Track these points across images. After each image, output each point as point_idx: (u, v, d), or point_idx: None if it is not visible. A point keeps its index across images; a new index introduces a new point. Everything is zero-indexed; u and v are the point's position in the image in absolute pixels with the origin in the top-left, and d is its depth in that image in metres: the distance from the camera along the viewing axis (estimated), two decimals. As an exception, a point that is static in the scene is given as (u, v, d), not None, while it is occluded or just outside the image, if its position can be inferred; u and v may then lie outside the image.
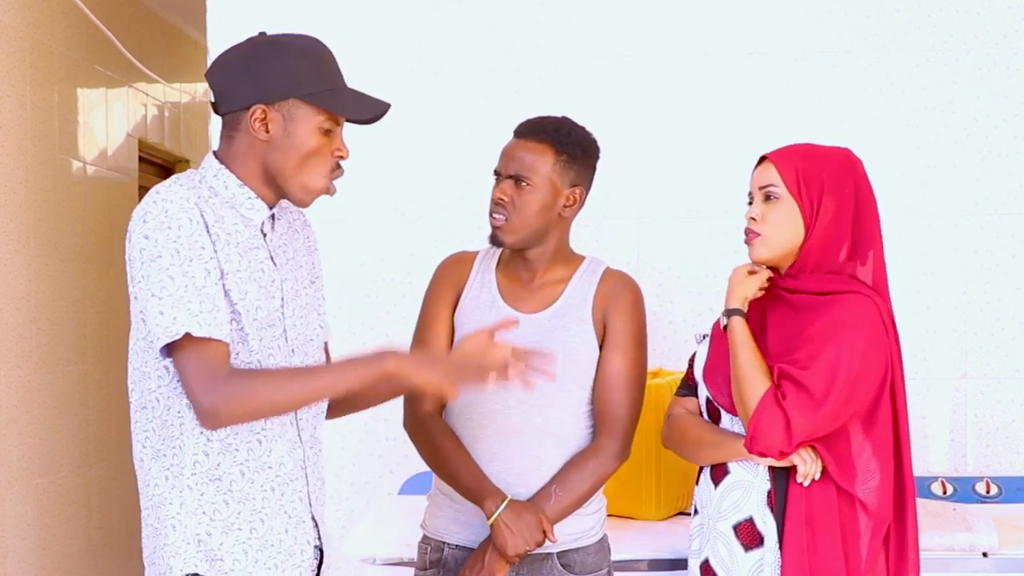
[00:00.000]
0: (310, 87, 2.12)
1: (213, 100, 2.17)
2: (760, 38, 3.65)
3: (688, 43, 3.66)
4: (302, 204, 2.19)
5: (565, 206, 2.63)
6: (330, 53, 2.17)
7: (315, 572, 2.22)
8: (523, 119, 2.68)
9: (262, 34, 2.18)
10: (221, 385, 1.99)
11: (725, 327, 2.44)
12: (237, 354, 2.08)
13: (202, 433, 2.07)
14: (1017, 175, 3.62)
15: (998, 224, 3.62)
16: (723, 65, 3.65)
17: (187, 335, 1.99)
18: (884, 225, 2.49)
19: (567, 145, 2.61)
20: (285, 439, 2.15)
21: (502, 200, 2.60)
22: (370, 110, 2.15)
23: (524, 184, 2.59)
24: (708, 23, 3.66)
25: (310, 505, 2.20)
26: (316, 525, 2.22)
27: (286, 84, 2.10)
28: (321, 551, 2.24)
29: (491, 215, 2.63)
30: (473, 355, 2.15)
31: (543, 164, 2.60)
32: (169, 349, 2.03)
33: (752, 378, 2.34)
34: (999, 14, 3.62)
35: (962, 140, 3.63)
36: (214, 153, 2.18)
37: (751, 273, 2.48)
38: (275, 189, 2.17)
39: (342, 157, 2.18)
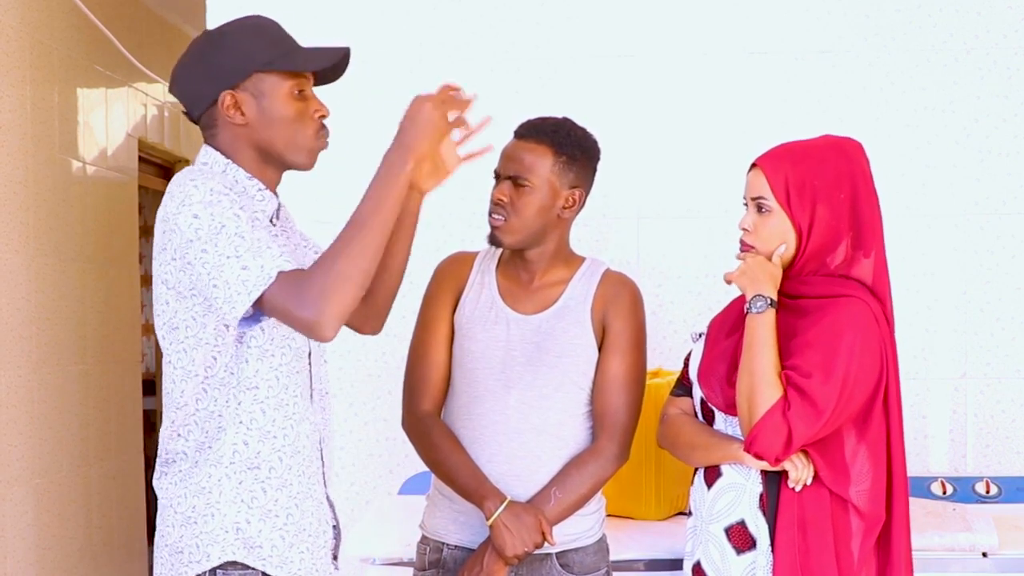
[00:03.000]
0: (265, 57, 2.13)
1: (184, 110, 2.19)
2: (760, 38, 3.65)
3: (688, 43, 3.66)
4: (306, 166, 2.20)
5: (564, 207, 2.63)
6: (275, 23, 2.19)
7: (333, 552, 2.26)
8: (523, 119, 2.68)
9: (205, 31, 2.20)
10: (306, 293, 1.97)
11: (750, 311, 2.37)
12: (276, 328, 2.11)
13: (241, 422, 2.09)
14: (1017, 175, 3.62)
15: (998, 224, 3.62)
16: (723, 65, 3.65)
17: (279, 274, 1.98)
18: (885, 225, 2.48)
19: (566, 146, 2.61)
20: (309, 421, 2.18)
21: (501, 200, 2.60)
22: (329, 58, 2.17)
23: (523, 185, 2.59)
24: (708, 23, 3.66)
25: (325, 485, 2.24)
26: (331, 505, 2.26)
27: (242, 63, 2.12)
28: (338, 530, 2.28)
29: (490, 215, 2.63)
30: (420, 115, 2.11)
31: (542, 165, 2.59)
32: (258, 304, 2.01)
33: (766, 383, 2.31)
34: (999, 14, 3.62)
35: (962, 140, 3.63)
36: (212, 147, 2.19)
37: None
38: (275, 166, 2.18)
39: (324, 116, 2.19)
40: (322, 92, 2.25)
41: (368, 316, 2.37)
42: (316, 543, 2.18)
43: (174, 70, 2.19)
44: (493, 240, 2.64)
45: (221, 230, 2.00)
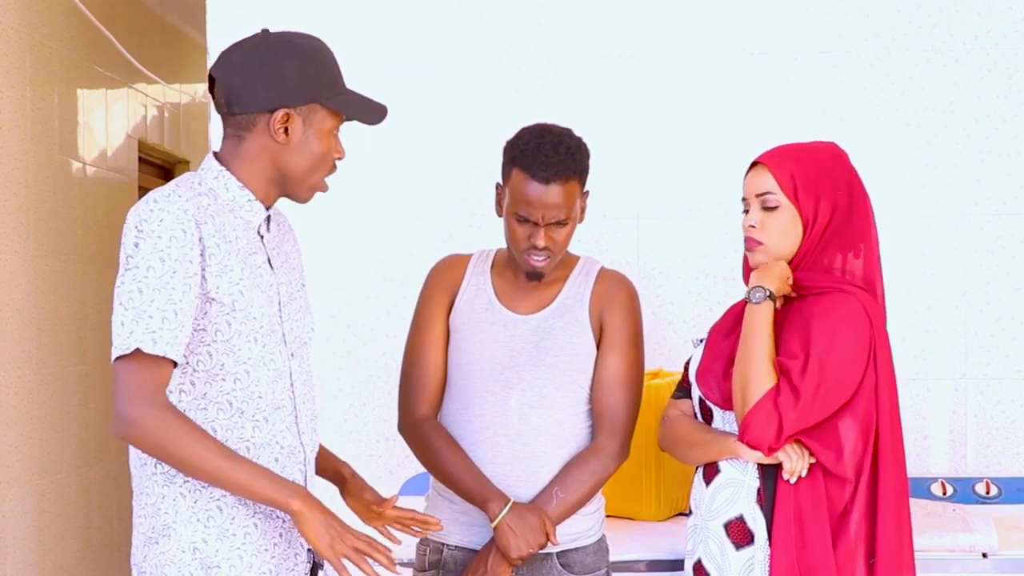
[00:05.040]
0: (329, 92, 2.14)
1: (222, 98, 2.14)
2: (760, 38, 3.65)
3: (688, 43, 3.66)
4: (303, 202, 2.23)
5: (580, 213, 2.65)
6: (334, 55, 2.20)
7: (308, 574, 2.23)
8: (522, 119, 2.67)
9: (265, 31, 2.18)
10: (153, 408, 1.97)
11: (749, 302, 2.39)
12: (241, 351, 2.09)
13: None
14: (1017, 175, 3.62)
15: (998, 224, 3.62)
16: (723, 65, 3.65)
17: (137, 350, 1.97)
18: (884, 225, 2.49)
19: (584, 168, 2.61)
20: (279, 445, 2.15)
21: (547, 247, 2.58)
22: (377, 114, 2.21)
23: (564, 224, 2.58)
24: (708, 23, 3.66)
25: None
26: None
27: (310, 89, 2.12)
28: (314, 553, 2.23)
29: (530, 259, 2.59)
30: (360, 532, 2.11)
31: (576, 195, 2.59)
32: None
33: (760, 372, 2.33)
34: (999, 14, 3.62)
35: (962, 140, 3.62)
36: (215, 154, 2.17)
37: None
38: (279, 190, 2.19)
39: (340, 158, 2.22)
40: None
41: None
42: (283, 566, 2.14)
43: (230, 58, 2.13)
44: (534, 278, 2.62)
45: (133, 270, 1.99)
